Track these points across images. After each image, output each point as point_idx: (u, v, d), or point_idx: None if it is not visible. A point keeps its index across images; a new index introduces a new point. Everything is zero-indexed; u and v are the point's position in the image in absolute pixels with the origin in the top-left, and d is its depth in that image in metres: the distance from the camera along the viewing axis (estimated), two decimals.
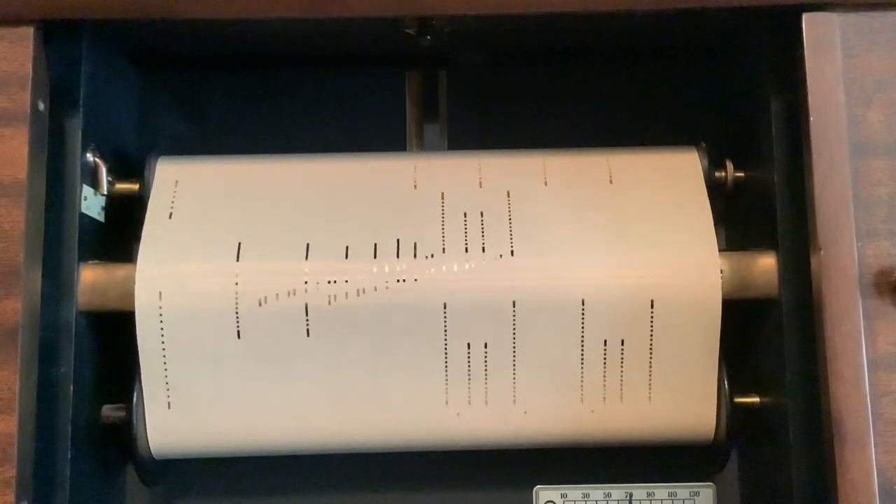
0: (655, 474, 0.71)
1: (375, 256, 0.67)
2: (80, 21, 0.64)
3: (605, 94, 0.80)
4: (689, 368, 0.68)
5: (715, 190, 0.72)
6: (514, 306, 0.66)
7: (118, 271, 0.67)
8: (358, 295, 0.66)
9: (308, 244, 0.67)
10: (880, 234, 0.61)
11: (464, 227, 0.68)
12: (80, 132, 0.65)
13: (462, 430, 0.68)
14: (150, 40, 0.73)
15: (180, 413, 0.67)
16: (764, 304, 0.67)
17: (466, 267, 0.66)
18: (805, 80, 0.62)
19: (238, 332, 0.66)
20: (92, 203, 0.68)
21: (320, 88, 0.80)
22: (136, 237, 0.68)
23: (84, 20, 0.64)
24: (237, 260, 0.67)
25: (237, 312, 0.66)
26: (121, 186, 0.71)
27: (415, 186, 0.71)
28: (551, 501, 0.70)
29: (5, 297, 0.60)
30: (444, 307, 0.66)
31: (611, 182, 0.71)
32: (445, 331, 0.66)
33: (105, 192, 0.69)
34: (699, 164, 0.72)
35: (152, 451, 0.68)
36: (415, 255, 0.67)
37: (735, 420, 0.69)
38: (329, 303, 0.66)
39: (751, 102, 0.70)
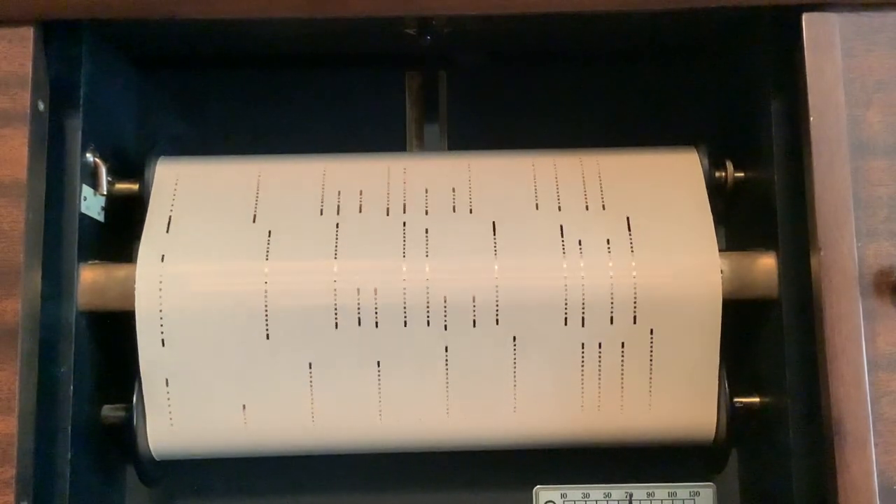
0: (655, 474, 0.71)
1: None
2: (80, 21, 0.64)
3: (604, 94, 0.80)
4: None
5: (715, 190, 0.72)
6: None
7: (118, 271, 0.67)
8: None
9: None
10: (880, 234, 0.61)
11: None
12: (80, 132, 0.65)
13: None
14: (150, 40, 0.73)
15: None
16: (764, 304, 0.67)
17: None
18: (805, 80, 0.62)
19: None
20: (92, 203, 0.67)
21: (320, 88, 0.80)
22: (136, 237, 0.68)
23: (84, 20, 0.64)
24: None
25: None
26: (121, 186, 0.71)
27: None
28: (551, 501, 0.70)
29: (5, 297, 0.60)
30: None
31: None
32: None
33: (105, 192, 0.69)
34: (699, 164, 0.72)
35: (152, 452, 0.68)
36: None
37: (735, 420, 0.69)
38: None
39: (751, 102, 0.70)
